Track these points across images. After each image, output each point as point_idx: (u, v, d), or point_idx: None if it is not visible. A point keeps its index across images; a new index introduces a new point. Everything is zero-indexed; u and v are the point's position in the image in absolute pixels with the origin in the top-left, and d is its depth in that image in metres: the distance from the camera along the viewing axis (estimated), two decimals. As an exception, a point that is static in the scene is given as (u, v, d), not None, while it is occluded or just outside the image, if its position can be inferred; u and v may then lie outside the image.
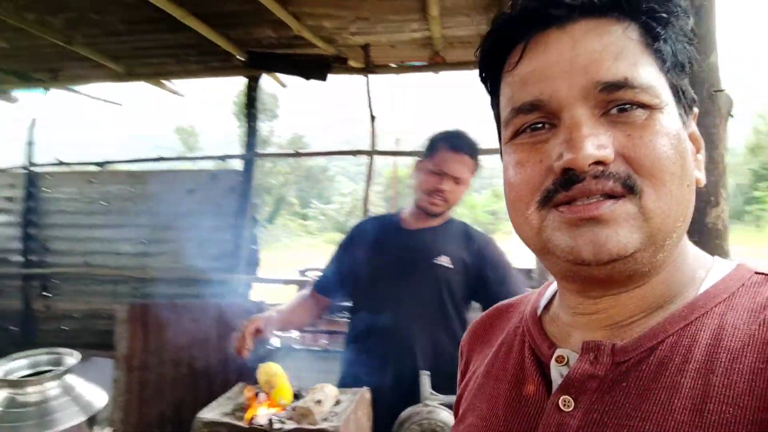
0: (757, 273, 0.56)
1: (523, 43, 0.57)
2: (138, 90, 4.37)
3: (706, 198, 1.21)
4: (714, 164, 1.21)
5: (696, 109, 0.60)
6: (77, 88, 4.23)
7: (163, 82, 4.14)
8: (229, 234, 3.84)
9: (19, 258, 4.20)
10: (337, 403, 1.62)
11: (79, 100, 4.57)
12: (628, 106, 0.52)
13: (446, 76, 3.88)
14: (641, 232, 0.51)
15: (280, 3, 2.91)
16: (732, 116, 1.22)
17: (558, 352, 0.59)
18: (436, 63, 3.76)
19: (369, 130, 3.74)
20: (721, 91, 1.21)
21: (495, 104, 0.64)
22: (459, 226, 2.07)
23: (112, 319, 3.27)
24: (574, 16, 0.54)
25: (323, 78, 3.61)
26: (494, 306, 0.82)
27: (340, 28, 3.36)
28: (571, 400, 0.54)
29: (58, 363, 1.96)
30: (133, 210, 4.03)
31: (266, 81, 4.04)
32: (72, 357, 1.97)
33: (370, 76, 3.75)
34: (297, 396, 1.65)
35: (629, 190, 0.51)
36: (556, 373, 0.58)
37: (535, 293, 0.73)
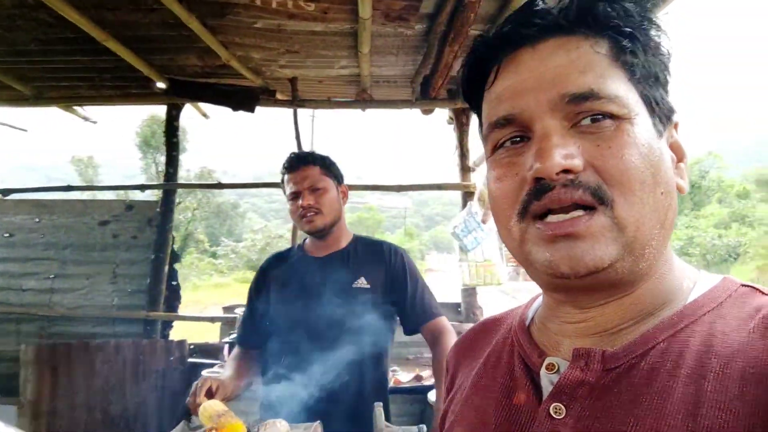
0: (743, 285, 0.57)
1: (498, 63, 0.60)
2: (48, 115, 4.07)
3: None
4: None
5: (676, 119, 0.61)
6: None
7: (75, 107, 3.94)
8: (147, 268, 3.63)
9: None
10: (290, 436, 1.57)
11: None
12: (596, 116, 0.54)
13: (373, 113, 3.99)
14: (617, 243, 0.52)
15: (210, 31, 2.89)
16: None
17: (548, 360, 0.59)
18: (363, 100, 3.86)
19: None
20: None
21: (480, 124, 0.66)
22: (366, 242, 2.02)
23: (16, 361, 2.97)
24: (544, 35, 0.57)
25: (251, 110, 3.59)
26: (480, 321, 0.82)
27: (269, 60, 3.38)
28: (563, 407, 0.54)
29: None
30: (41, 242, 3.72)
31: (172, 113, 3.91)
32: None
33: (298, 110, 3.78)
34: (249, 432, 1.58)
35: (599, 200, 0.52)
36: (547, 381, 0.58)
37: (523, 306, 0.74)
